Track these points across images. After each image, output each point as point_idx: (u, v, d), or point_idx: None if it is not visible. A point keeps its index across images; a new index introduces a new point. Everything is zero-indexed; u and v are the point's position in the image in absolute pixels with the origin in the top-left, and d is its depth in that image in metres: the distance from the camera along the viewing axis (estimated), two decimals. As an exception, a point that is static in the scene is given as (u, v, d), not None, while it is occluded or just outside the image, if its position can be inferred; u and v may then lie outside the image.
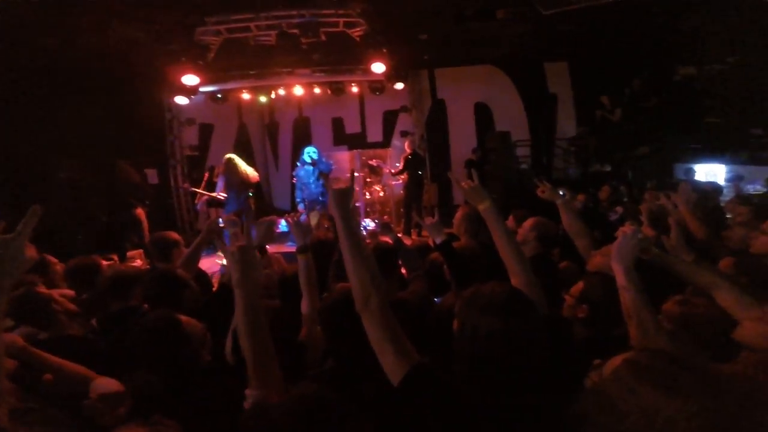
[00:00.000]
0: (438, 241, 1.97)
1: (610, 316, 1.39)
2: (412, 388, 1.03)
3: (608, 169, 7.58)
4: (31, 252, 1.01)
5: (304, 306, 1.75)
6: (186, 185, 7.85)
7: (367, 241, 2.40)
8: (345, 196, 1.30)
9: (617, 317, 1.31)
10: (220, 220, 6.51)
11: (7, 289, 0.97)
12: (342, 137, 10.00)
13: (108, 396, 1.42)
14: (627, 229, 1.35)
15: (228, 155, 6.39)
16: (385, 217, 8.05)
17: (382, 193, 9.08)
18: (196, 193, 7.12)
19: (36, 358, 1.56)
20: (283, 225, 6.24)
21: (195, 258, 2.56)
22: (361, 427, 0.88)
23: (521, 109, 9.14)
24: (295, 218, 2.00)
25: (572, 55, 8.58)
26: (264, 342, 1.24)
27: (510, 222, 3.10)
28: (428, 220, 2.04)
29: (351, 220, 1.27)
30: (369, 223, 7.86)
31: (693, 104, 7.41)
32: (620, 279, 1.30)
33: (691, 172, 6.91)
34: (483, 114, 9.28)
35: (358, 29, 6.41)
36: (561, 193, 2.33)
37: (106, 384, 1.49)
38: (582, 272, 2.23)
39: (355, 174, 6.72)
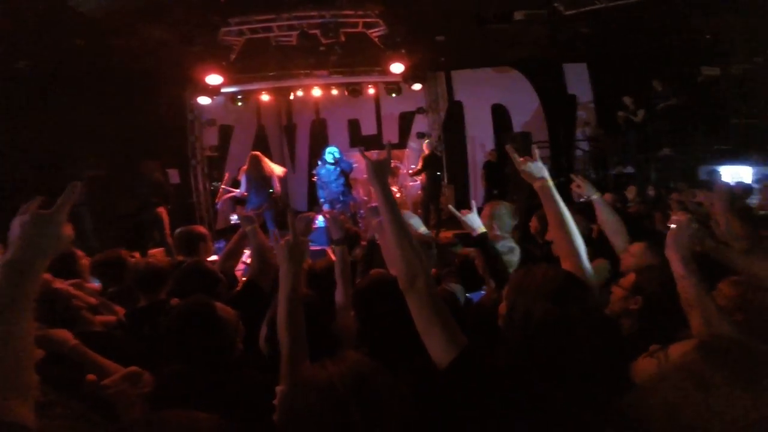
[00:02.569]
0: (475, 234, 1.93)
1: (665, 308, 1.34)
2: (462, 372, 0.99)
3: (631, 171, 7.42)
4: (68, 230, 0.94)
5: (339, 295, 1.76)
6: (214, 187, 7.94)
7: None
8: (382, 167, 1.24)
9: (671, 310, 1.26)
10: (235, 216, 6.61)
11: (42, 268, 0.90)
12: (358, 139, 10.04)
13: (129, 376, 1.40)
14: (680, 218, 1.30)
15: (253, 152, 6.54)
16: (419, 211, 7.97)
17: (398, 194, 9.06)
18: (217, 191, 7.22)
19: (86, 358, 1.55)
20: (319, 221, 6.31)
21: (237, 253, 2.54)
22: (408, 396, 0.86)
23: (540, 110, 9.03)
24: (333, 213, 2.01)
25: (592, 56, 8.45)
26: (300, 334, 1.28)
27: (533, 223, 3.05)
28: (465, 213, 2.01)
29: (390, 192, 1.22)
30: None
31: (717, 105, 7.23)
32: (678, 268, 1.25)
33: (715, 173, 6.73)
34: (501, 115, 9.21)
35: (377, 30, 6.44)
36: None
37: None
38: (617, 271, 2.17)
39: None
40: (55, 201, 0.95)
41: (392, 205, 1.19)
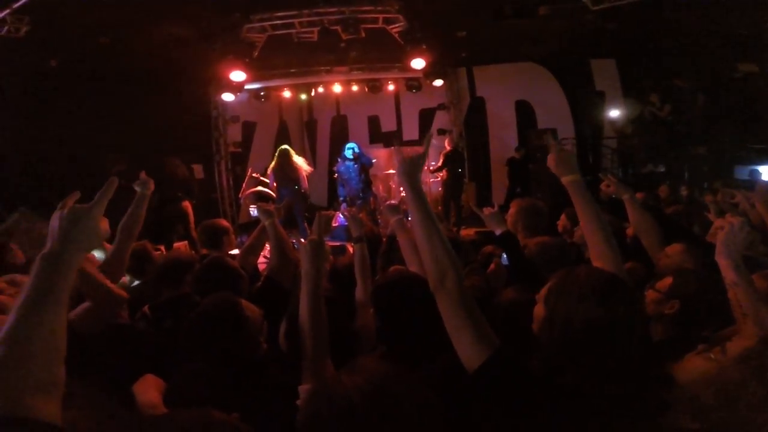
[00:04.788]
0: (498, 232, 1.88)
1: (702, 313, 1.27)
2: (494, 376, 0.94)
3: (662, 169, 7.14)
4: (104, 225, 0.97)
5: (359, 293, 1.74)
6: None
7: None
8: (415, 164, 1.20)
9: (709, 317, 1.19)
10: (253, 209, 6.71)
11: (78, 263, 0.90)
12: (378, 135, 10.03)
13: None
14: (733, 220, 1.21)
15: (283, 146, 6.64)
16: (439, 207, 7.93)
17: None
18: (241, 185, 7.37)
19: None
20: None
21: (258, 247, 2.50)
22: (433, 403, 0.82)
23: (566, 106, 8.78)
24: (352, 211, 2.00)
25: (620, 51, 8.15)
26: (323, 333, 1.29)
27: (563, 221, 2.96)
28: (487, 210, 1.96)
29: (421, 190, 1.18)
30: None
31: (753, 103, 6.87)
32: (730, 275, 1.17)
33: (755, 173, 6.42)
34: (525, 112, 9.00)
35: (397, 26, 6.39)
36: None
37: (148, 385, 1.44)
38: (650, 273, 2.08)
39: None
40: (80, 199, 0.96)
41: (423, 203, 1.14)
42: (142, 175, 1.93)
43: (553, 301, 1.01)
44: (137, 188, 1.89)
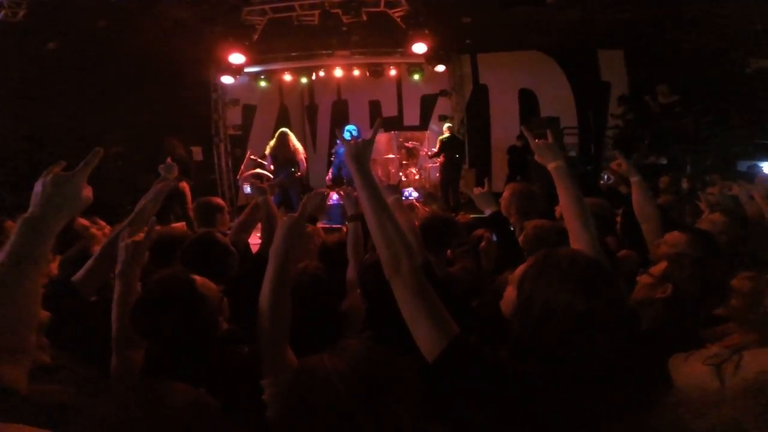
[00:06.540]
0: (488, 212, 1.86)
1: (695, 300, 1.24)
2: (451, 367, 0.88)
3: (664, 161, 7.09)
4: (87, 192, 0.96)
5: (350, 272, 1.72)
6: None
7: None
8: (361, 148, 1.17)
9: (701, 305, 1.16)
10: (247, 188, 6.64)
11: (58, 227, 0.91)
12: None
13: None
14: None
15: (282, 129, 6.63)
16: (427, 186, 7.89)
17: (417, 176, 8.99)
18: (240, 168, 7.34)
19: None
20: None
21: (250, 224, 2.47)
22: (414, 388, 0.82)
23: (570, 96, 8.68)
24: (347, 190, 1.98)
25: (629, 43, 8.00)
26: (282, 320, 1.16)
27: (560, 209, 2.94)
28: (477, 190, 1.94)
29: (369, 174, 1.13)
30: (412, 193, 7.81)
31: (759, 98, 6.78)
32: None
33: (756, 167, 6.36)
34: (528, 100, 8.90)
35: (399, 9, 6.27)
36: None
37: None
38: (644, 262, 2.06)
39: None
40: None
41: (373, 187, 1.09)
42: (168, 160, 1.95)
43: (530, 286, 0.94)
44: (162, 173, 1.91)
